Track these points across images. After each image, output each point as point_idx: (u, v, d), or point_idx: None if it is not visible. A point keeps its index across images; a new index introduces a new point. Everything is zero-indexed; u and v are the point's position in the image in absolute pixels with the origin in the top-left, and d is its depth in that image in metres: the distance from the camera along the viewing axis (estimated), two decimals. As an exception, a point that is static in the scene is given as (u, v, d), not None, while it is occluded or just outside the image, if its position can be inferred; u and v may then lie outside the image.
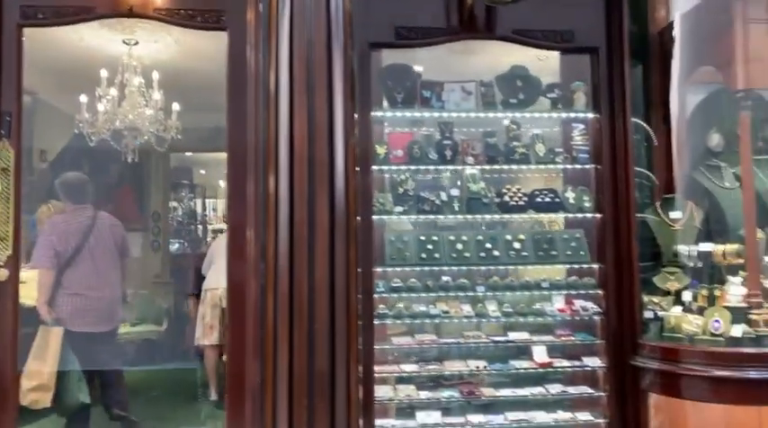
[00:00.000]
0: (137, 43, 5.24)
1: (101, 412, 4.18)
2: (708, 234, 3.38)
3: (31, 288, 3.94)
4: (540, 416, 3.30)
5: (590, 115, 3.39)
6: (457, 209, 3.33)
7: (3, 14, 2.97)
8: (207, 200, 10.27)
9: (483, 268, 3.36)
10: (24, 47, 3.06)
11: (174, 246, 9.23)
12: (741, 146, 3.07)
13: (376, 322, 3.20)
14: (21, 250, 3.03)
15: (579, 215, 3.40)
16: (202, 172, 10.07)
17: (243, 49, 2.95)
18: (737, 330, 2.82)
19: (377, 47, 3.25)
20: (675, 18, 3.37)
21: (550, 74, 3.59)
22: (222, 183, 8.30)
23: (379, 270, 3.25)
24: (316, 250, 2.46)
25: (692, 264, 3.22)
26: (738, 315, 2.89)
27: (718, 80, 3.39)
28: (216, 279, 5.10)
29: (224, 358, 3.99)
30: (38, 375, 3.80)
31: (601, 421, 3.31)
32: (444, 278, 3.34)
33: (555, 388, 3.33)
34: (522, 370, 3.33)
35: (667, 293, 3.24)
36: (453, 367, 3.30)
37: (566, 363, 3.34)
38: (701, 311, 3.03)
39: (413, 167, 3.33)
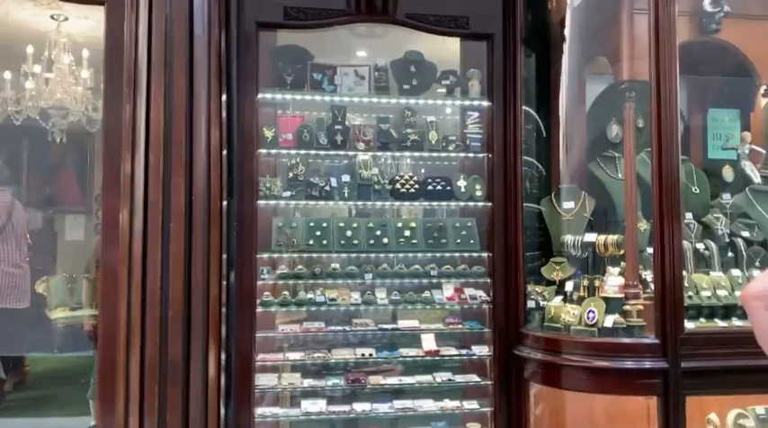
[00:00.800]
0: (66, 19, 5.05)
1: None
2: (600, 225, 3.38)
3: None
4: (428, 405, 3.29)
5: (485, 103, 3.36)
6: (347, 195, 3.28)
7: None
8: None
9: (372, 255, 3.33)
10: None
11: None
12: (624, 136, 3.07)
13: (260, 309, 3.15)
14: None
15: (471, 203, 3.38)
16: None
17: (119, 24, 2.83)
18: (609, 320, 2.83)
19: (265, 27, 3.16)
20: (568, 7, 3.35)
21: (453, 60, 3.55)
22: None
23: (264, 256, 3.19)
24: (170, 234, 2.39)
25: (576, 255, 3.23)
26: (614, 305, 2.91)
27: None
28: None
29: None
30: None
31: (487, 409, 3.31)
32: (333, 265, 3.29)
33: (443, 377, 3.33)
34: (409, 358, 3.32)
35: (553, 283, 3.25)
36: (340, 355, 3.27)
37: (453, 351, 3.34)
38: (580, 301, 3.04)
39: (302, 152, 3.26)
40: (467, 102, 3.39)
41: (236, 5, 3.02)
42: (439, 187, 3.35)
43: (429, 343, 3.34)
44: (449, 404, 3.31)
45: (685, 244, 3.17)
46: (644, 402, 2.84)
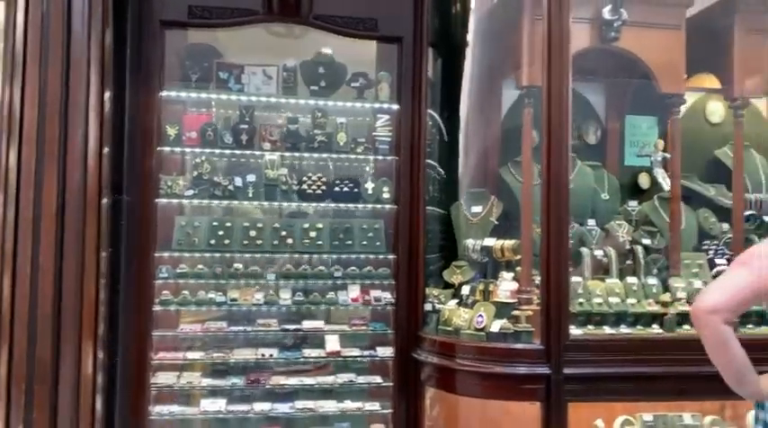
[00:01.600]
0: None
1: None
2: (505, 229, 3.40)
3: None
4: (329, 405, 3.30)
5: (394, 106, 3.37)
6: (252, 195, 3.27)
7: None
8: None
9: (277, 255, 3.33)
10: None
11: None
12: (523, 142, 3.08)
13: (159, 308, 3.14)
14: None
15: (378, 206, 3.38)
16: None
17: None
18: (497, 325, 2.84)
19: (169, 25, 3.15)
20: (472, 12, 3.36)
21: (370, 63, 3.54)
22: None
23: (165, 255, 3.19)
24: (41, 232, 2.38)
25: (477, 259, 3.24)
26: (505, 310, 2.92)
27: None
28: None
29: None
30: None
31: (388, 412, 3.32)
32: (236, 265, 3.29)
33: (345, 378, 3.33)
34: (311, 359, 3.32)
35: (453, 287, 3.26)
36: (241, 354, 3.26)
37: (356, 353, 3.34)
38: (474, 305, 3.05)
39: (207, 150, 3.26)
40: (377, 105, 3.39)
41: (138, 3, 3.02)
42: (346, 189, 3.36)
43: (333, 344, 3.34)
44: (350, 405, 3.31)
45: (584, 250, 3.20)
46: (533, 407, 2.86)
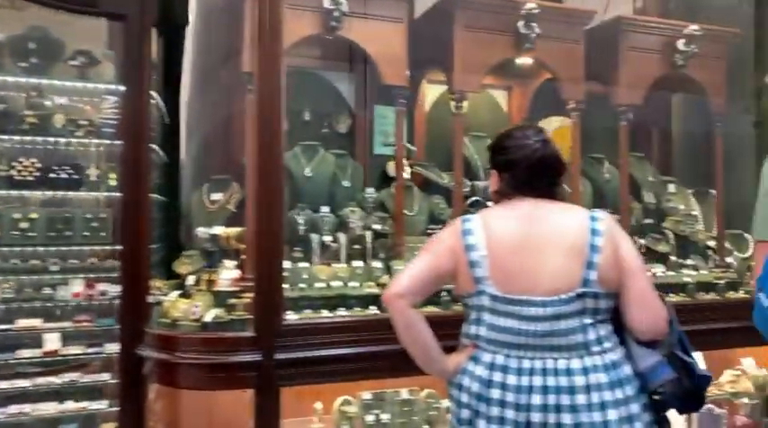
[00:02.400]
0: None
1: None
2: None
3: None
4: (48, 407, 3.07)
5: (121, 87, 3.18)
6: (-53, 182, 2.95)
7: None
8: None
9: (-17, 249, 3.04)
10: None
11: None
12: (247, 130, 3.04)
13: None
14: None
15: (105, 194, 3.20)
16: None
17: None
18: (210, 315, 2.80)
19: None
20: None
21: (96, 40, 3.32)
22: None
23: None
24: None
25: (208, 247, 3.17)
26: (223, 299, 2.88)
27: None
28: None
29: None
30: None
31: (116, 409, 3.16)
32: (-71, 260, 2.95)
33: (67, 378, 3.13)
34: (24, 360, 3.07)
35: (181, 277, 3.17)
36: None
37: (77, 351, 3.15)
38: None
39: None
40: (102, 86, 3.19)
41: None
42: (65, 175, 3.12)
43: (52, 343, 3.11)
44: (73, 405, 3.11)
45: (314, 236, 3.25)
46: (248, 395, 2.85)
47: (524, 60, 3.63)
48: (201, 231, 3.15)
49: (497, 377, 2.02)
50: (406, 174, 3.66)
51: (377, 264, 3.18)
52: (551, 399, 1.90)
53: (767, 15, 4.17)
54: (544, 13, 3.42)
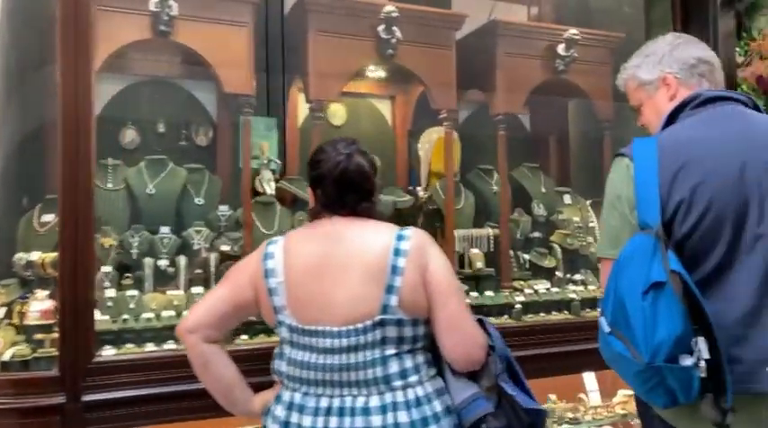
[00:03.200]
0: None
1: None
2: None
3: None
4: None
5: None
6: None
7: None
8: None
9: None
10: None
11: None
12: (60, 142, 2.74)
13: None
14: None
15: None
16: None
17: None
18: (9, 353, 2.49)
19: None
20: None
21: None
22: None
23: None
24: None
25: (26, 275, 2.86)
26: (31, 333, 2.57)
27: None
28: None
29: None
30: None
31: None
32: None
33: None
34: None
35: None
36: None
37: None
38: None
39: None
40: None
41: None
42: None
43: None
44: None
45: (147, 261, 2.96)
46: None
47: (386, 68, 3.42)
48: (18, 257, 2.84)
49: (294, 418, 1.83)
50: (271, 190, 3.41)
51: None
52: None
53: (656, 21, 4.05)
54: (406, 17, 3.21)
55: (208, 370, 1.88)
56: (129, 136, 3.38)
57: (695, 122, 1.78)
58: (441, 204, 3.62)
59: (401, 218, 3.76)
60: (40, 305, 2.62)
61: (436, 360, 1.88)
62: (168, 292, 2.86)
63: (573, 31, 3.62)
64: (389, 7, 3.14)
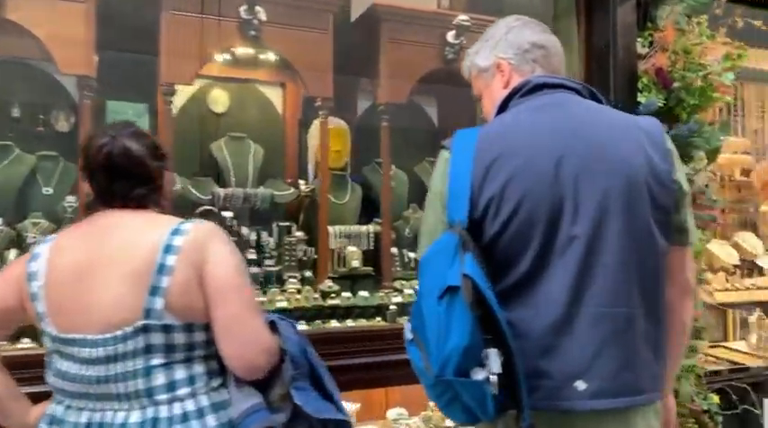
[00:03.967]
0: None
1: None
2: None
3: None
4: None
5: None
6: None
7: None
8: None
9: None
10: None
11: None
12: None
13: None
14: None
15: None
16: None
17: None
18: None
19: None
20: None
21: None
22: None
23: None
24: None
25: None
26: None
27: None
28: None
29: None
30: None
31: None
32: None
33: None
34: None
35: None
36: None
37: None
38: None
39: None
40: None
41: None
42: None
43: None
44: None
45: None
46: None
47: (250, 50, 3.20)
48: None
49: (54, 433, 1.60)
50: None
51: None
52: None
53: (562, 11, 3.84)
54: (269, -3, 2.99)
55: None
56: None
57: (519, 112, 1.57)
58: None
59: (280, 212, 3.57)
60: None
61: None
62: None
63: (463, 17, 3.41)
64: (248, -16, 2.92)
